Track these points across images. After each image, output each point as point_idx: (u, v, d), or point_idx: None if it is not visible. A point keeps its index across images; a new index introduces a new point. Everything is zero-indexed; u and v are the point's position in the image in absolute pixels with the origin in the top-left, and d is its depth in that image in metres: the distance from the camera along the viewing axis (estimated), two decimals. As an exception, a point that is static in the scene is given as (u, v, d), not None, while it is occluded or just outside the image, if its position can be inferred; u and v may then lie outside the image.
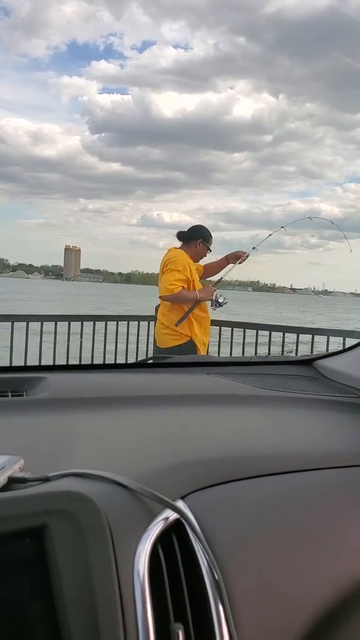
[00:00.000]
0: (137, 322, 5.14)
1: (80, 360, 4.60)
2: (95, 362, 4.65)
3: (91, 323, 4.79)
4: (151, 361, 1.20)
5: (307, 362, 1.18)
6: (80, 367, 1.04)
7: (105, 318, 5.00)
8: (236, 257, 3.95)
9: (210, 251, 3.91)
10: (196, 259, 3.88)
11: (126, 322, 5.03)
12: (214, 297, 3.76)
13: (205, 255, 3.92)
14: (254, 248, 3.95)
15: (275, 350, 4.56)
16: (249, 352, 4.67)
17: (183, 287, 3.68)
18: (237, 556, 0.51)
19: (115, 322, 4.95)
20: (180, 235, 3.91)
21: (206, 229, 3.95)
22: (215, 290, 3.83)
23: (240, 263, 4.00)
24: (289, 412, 0.90)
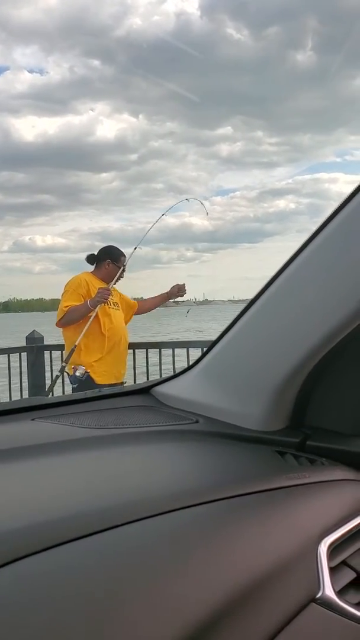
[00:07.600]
0: (6, 355, 4.78)
1: None
2: None
3: None
4: None
5: (145, 390, 1.13)
6: None
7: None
8: (179, 291, 3.71)
9: (124, 270, 3.58)
10: (109, 280, 3.53)
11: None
12: (75, 371, 3.29)
13: (122, 276, 3.58)
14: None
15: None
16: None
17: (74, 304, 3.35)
18: None
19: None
20: (89, 259, 3.61)
21: (115, 247, 3.64)
22: (110, 291, 3.39)
23: (182, 296, 3.76)
24: (123, 451, 0.82)
